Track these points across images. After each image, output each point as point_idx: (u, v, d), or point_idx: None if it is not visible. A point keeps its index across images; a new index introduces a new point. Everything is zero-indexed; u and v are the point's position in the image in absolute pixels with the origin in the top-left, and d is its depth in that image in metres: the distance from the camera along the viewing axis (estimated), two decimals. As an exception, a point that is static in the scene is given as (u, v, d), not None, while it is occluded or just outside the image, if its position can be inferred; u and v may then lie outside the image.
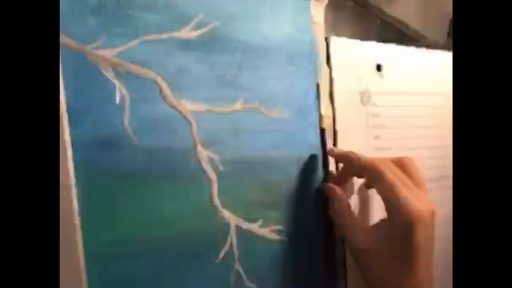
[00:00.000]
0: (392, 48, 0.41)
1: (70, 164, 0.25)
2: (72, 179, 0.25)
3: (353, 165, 0.33)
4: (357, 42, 0.39)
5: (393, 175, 0.31)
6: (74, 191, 0.25)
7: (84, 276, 0.25)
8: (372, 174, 0.31)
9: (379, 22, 0.45)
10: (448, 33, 0.48)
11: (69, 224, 0.25)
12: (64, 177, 0.24)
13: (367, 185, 0.35)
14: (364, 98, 0.39)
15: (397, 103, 0.41)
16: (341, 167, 0.35)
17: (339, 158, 0.35)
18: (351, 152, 0.33)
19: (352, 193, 0.36)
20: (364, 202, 0.37)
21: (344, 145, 0.36)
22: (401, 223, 0.30)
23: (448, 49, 0.44)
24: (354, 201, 0.36)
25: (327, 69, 0.36)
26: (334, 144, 0.36)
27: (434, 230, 0.31)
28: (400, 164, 0.32)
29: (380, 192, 0.31)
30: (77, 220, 0.25)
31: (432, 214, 0.31)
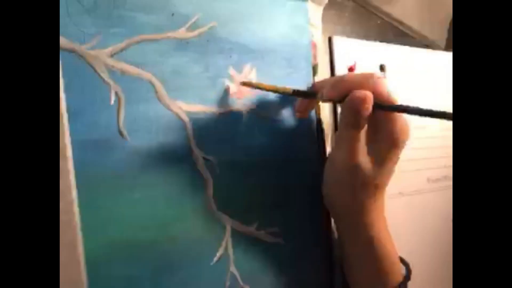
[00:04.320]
0: (394, 49, 0.41)
1: (70, 164, 0.25)
2: (72, 179, 0.25)
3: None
4: (360, 42, 0.39)
5: None
6: (74, 191, 0.25)
7: (84, 276, 0.25)
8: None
9: (379, 22, 0.44)
10: (448, 34, 0.48)
11: (69, 224, 0.25)
12: (64, 177, 0.24)
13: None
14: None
15: (400, 103, 0.41)
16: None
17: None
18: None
19: None
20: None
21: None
22: None
23: (448, 49, 0.43)
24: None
25: (326, 71, 0.36)
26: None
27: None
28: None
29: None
30: (77, 220, 0.25)
31: None
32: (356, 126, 0.28)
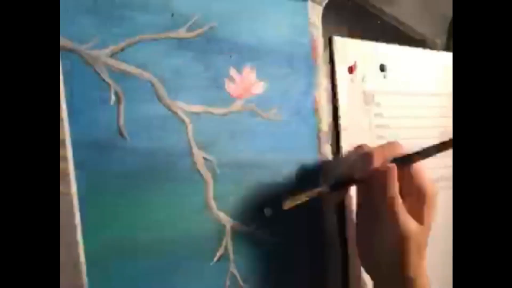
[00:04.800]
0: (395, 49, 0.41)
1: (70, 164, 0.25)
2: (72, 179, 0.25)
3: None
4: (361, 42, 0.39)
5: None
6: (74, 191, 0.25)
7: (84, 276, 0.25)
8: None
9: (379, 22, 0.44)
10: (448, 34, 0.48)
11: (69, 224, 0.25)
12: (64, 177, 0.24)
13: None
14: (368, 98, 0.39)
15: (400, 103, 0.41)
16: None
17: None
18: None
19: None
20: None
21: (348, 145, 0.36)
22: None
23: (448, 49, 0.43)
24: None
25: (326, 70, 0.36)
26: (337, 144, 0.36)
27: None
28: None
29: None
30: (77, 220, 0.25)
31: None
32: (396, 195, 0.29)
